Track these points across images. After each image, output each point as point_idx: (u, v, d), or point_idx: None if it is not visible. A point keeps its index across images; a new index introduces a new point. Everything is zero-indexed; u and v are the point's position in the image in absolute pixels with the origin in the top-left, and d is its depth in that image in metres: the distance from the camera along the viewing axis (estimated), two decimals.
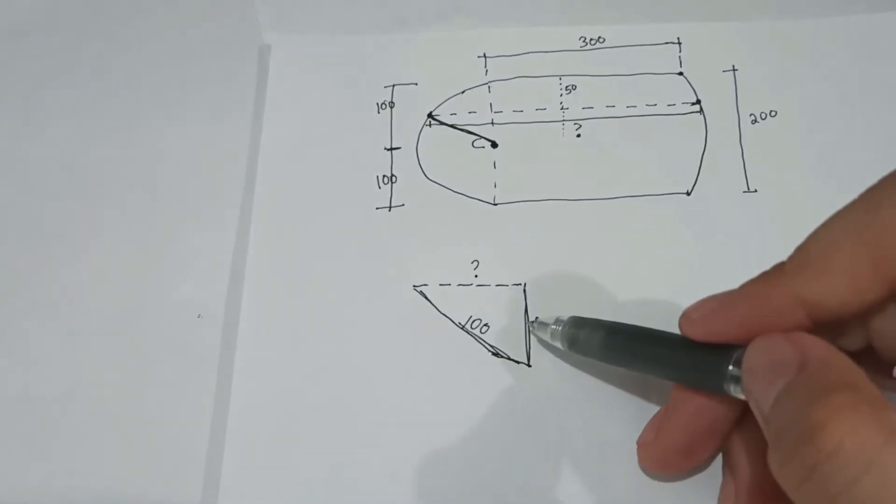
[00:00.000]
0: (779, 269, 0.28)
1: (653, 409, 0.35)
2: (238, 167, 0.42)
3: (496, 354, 0.37)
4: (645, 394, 0.36)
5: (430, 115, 0.43)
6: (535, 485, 0.35)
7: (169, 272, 0.40)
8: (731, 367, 0.28)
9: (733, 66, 0.43)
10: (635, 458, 0.34)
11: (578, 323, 0.35)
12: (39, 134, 0.44)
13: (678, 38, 0.44)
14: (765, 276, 0.29)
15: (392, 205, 0.41)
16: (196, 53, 0.45)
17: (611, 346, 0.33)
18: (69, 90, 0.45)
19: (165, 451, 0.37)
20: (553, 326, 0.36)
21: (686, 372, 0.30)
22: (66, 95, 0.45)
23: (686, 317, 0.30)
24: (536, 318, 0.37)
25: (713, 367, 0.28)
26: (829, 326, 0.28)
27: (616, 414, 0.35)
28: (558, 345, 0.35)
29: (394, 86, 0.44)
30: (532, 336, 0.37)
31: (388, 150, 0.42)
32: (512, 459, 0.35)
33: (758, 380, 0.27)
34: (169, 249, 0.41)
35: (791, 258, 0.28)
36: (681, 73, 0.43)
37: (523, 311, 0.38)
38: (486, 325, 0.38)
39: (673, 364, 0.31)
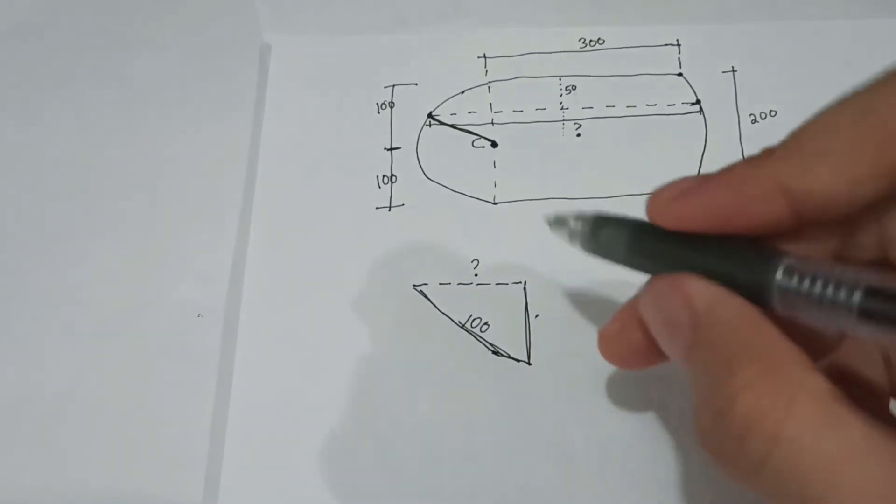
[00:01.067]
0: (767, 152, 0.25)
1: (653, 410, 0.35)
2: (238, 167, 0.42)
3: (496, 353, 0.37)
4: (646, 392, 0.36)
5: (430, 115, 0.43)
6: (535, 484, 0.35)
7: (169, 272, 0.40)
8: (778, 276, 0.24)
9: (733, 67, 0.43)
10: (636, 457, 0.34)
11: (601, 221, 0.30)
12: (39, 134, 0.44)
13: (677, 40, 0.44)
14: (750, 160, 0.25)
15: (392, 204, 0.41)
16: (196, 53, 0.45)
17: (637, 247, 0.28)
18: (69, 90, 0.45)
19: (165, 450, 0.37)
20: (573, 226, 0.31)
21: (721, 278, 0.26)
22: (65, 95, 0.45)
23: (655, 197, 0.27)
24: (555, 215, 0.32)
25: (756, 277, 0.25)
26: (823, 225, 0.25)
27: (616, 412, 0.35)
28: (578, 246, 0.31)
29: (394, 86, 0.44)
30: (532, 331, 0.37)
31: (387, 149, 0.42)
32: (512, 458, 0.35)
33: (659, 334, 0.27)
34: (169, 249, 0.41)
35: (783, 141, 0.25)
36: (680, 74, 0.43)
37: (523, 310, 0.38)
38: (486, 323, 0.38)
39: (706, 269, 0.26)
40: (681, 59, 0.43)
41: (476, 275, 0.39)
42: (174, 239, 0.41)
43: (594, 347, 0.36)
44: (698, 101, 0.42)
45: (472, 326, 0.38)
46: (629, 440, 0.34)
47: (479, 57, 0.44)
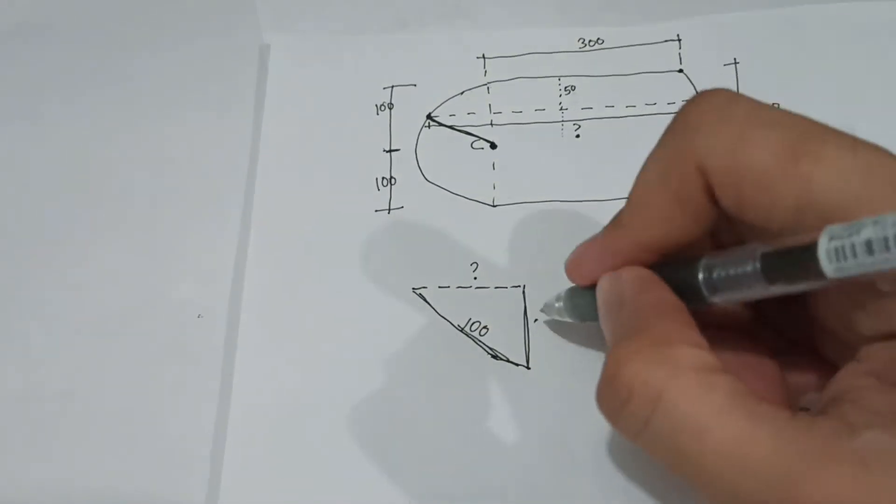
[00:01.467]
0: (617, 217, 0.31)
1: None
2: (237, 168, 0.42)
3: (495, 357, 0.37)
4: None
5: (429, 117, 0.43)
6: (535, 487, 0.35)
7: (169, 272, 0.40)
8: (700, 276, 0.28)
9: (734, 59, 0.43)
10: (635, 460, 0.34)
11: (572, 292, 0.35)
12: (39, 134, 0.44)
13: (678, 36, 0.44)
14: (609, 226, 0.31)
15: (391, 207, 0.41)
16: (196, 53, 0.45)
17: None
18: (69, 90, 0.45)
19: (166, 451, 0.37)
20: (558, 304, 0.36)
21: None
22: (65, 95, 0.45)
23: (566, 265, 0.33)
24: (544, 304, 0.37)
25: (687, 282, 0.29)
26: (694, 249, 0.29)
27: None
28: (568, 319, 0.35)
29: (393, 87, 0.44)
30: (531, 335, 0.37)
31: (387, 151, 0.42)
32: (511, 462, 0.35)
33: (602, 321, 0.31)
34: (169, 249, 0.41)
35: (623, 208, 0.30)
36: (681, 71, 0.43)
37: (522, 314, 0.38)
38: (485, 327, 0.38)
39: None
40: (681, 55, 0.43)
41: (475, 278, 0.39)
42: (174, 239, 0.41)
43: (593, 351, 0.36)
44: None
45: (471, 330, 0.38)
46: (628, 443, 0.34)
47: (478, 57, 0.44)
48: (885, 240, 0.21)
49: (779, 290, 0.26)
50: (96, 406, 0.38)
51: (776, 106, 0.40)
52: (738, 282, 0.27)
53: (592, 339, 0.36)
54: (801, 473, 0.23)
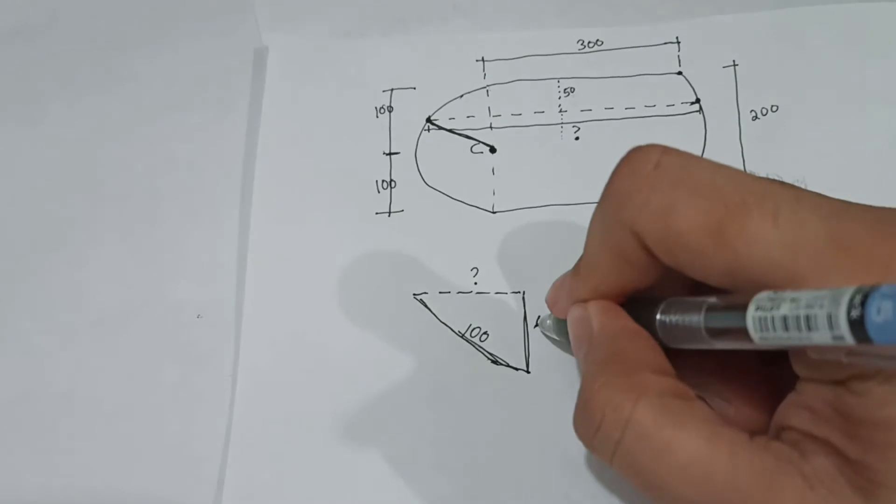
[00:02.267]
0: (576, 266, 0.33)
1: None
2: (237, 169, 0.42)
3: (495, 362, 0.37)
4: None
5: (428, 120, 0.43)
6: (535, 491, 0.35)
7: (169, 272, 0.41)
8: (657, 317, 0.30)
9: (733, 61, 0.42)
10: None
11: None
12: (38, 134, 0.44)
13: (677, 38, 0.43)
14: (571, 271, 0.33)
15: (392, 210, 0.41)
16: (195, 54, 0.45)
17: None
18: (68, 91, 0.45)
19: (166, 451, 0.37)
20: (549, 322, 0.37)
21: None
22: (64, 96, 0.45)
23: (546, 298, 0.35)
24: (538, 318, 0.38)
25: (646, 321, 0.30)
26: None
27: None
28: (556, 337, 0.37)
29: (392, 90, 0.43)
30: (531, 340, 0.38)
31: (386, 154, 0.42)
32: (511, 466, 0.35)
33: (573, 349, 0.33)
34: (169, 249, 0.41)
35: (580, 258, 0.32)
36: (680, 73, 0.43)
37: (522, 319, 0.38)
38: (485, 332, 0.38)
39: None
40: (680, 57, 0.43)
41: (476, 283, 0.39)
42: (174, 239, 0.41)
43: None
44: (698, 100, 0.42)
45: (471, 336, 0.38)
46: None
47: (477, 60, 0.44)
48: (797, 319, 0.22)
49: (722, 345, 0.27)
50: (96, 406, 0.38)
51: (775, 109, 0.41)
52: (686, 332, 0.28)
53: None
54: (754, 491, 0.25)
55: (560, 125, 0.42)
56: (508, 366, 0.37)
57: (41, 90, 0.45)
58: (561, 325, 0.35)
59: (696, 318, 0.27)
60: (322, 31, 0.45)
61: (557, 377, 0.37)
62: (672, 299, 0.29)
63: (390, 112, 0.43)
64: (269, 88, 0.44)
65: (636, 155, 0.29)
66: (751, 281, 0.25)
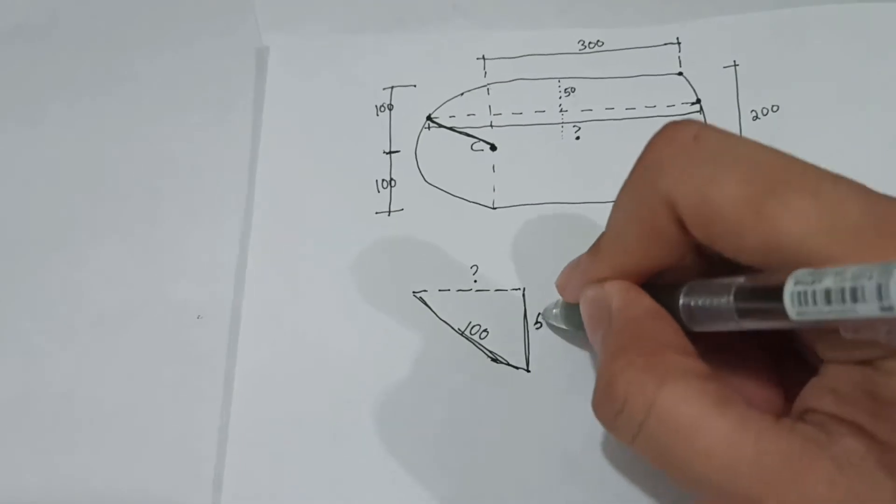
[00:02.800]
0: (596, 244, 0.32)
1: None
2: (237, 169, 0.42)
3: (495, 360, 0.37)
4: None
5: (429, 118, 0.43)
6: (535, 490, 0.35)
7: (169, 272, 0.41)
8: (681, 301, 0.29)
9: (734, 61, 0.42)
10: (635, 463, 0.34)
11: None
12: (38, 135, 0.44)
13: (677, 38, 0.43)
14: (590, 251, 0.33)
15: (391, 209, 0.41)
16: (195, 54, 0.45)
17: None
18: (68, 91, 0.45)
19: (166, 451, 0.37)
20: (555, 311, 0.37)
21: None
22: (65, 96, 0.45)
23: (556, 283, 0.35)
24: (541, 312, 0.38)
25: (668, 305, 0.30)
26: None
27: None
28: (564, 326, 0.37)
29: (392, 88, 0.43)
30: (531, 338, 0.37)
31: (387, 153, 0.42)
32: (511, 464, 0.35)
33: (588, 331, 0.32)
34: (169, 249, 0.41)
35: (601, 235, 0.32)
36: (680, 74, 0.43)
37: (522, 317, 0.38)
38: (485, 330, 0.38)
39: None
40: (681, 58, 0.43)
41: (475, 281, 0.39)
42: (174, 239, 0.41)
43: (592, 354, 0.36)
44: (698, 101, 0.42)
45: (471, 334, 0.38)
46: (626, 447, 0.34)
47: (478, 58, 0.44)
48: (842, 291, 0.22)
49: (751, 325, 0.26)
50: (96, 406, 0.38)
51: (776, 109, 0.41)
52: (713, 313, 0.27)
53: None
54: (781, 474, 0.25)
55: (561, 125, 0.42)
56: (508, 364, 0.37)
57: (41, 90, 0.45)
58: (570, 311, 0.34)
59: (725, 299, 0.27)
60: (322, 30, 0.45)
61: (557, 375, 0.37)
62: (695, 282, 0.29)
63: (390, 110, 0.43)
64: (269, 88, 0.44)
65: (674, 127, 0.28)
66: (786, 258, 0.25)
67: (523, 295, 0.38)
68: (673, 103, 0.42)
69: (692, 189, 0.27)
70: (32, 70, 0.46)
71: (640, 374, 0.27)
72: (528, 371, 0.37)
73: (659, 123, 0.40)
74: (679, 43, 0.43)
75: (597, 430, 0.35)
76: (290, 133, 0.43)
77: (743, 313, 0.26)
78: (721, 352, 0.31)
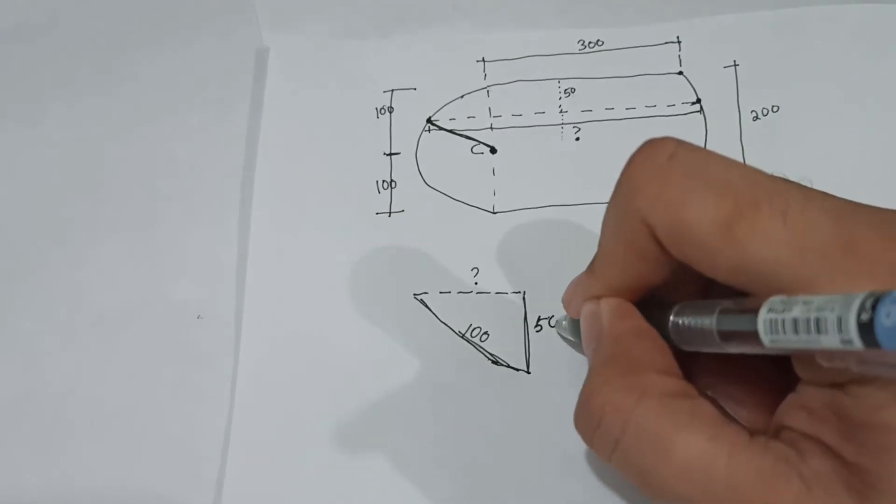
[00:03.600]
0: (591, 264, 0.32)
1: None
2: (237, 169, 0.42)
3: (496, 363, 0.37)
4: None
5: (429, 121, 0.43)
6: (535, 492, 0.35)
7: (169, 272, 0.41)
8: (670, 320, 0.30)
9: (734, 61, 0.42)
10: None
11: None
12: (38, 135, 0.44)
13: (678, 37, 0.43)
14: (587, 270, 0.33)
15: (392, 210, 0.41)
16: (195, 55, 0.45)
17: None
18: (68, 91, 0.45)
19: (165, 452, 0.37)
20: (564, 323, 0.37)
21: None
22: (65, 96, 0.45)
23: (562, 299, 0.35)
24: (553, 319, 0.38)
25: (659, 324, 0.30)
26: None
27: None
28: (571, 338, 0.36)
29: (393, 90, 0.43)
30: (531, 340, 0.37)
31: (387, 155, 0.42)
32: (511, 465, 0.35)
33: (584, 343, 0.33)
34: (169, 249, 0.41)
35: (595, 255, 0.32)
36: (681, 73, 0.43)
37: (523, 319, 0.38)
38: (485, 333, 0.38)
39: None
40: (681, 57, 0.43)
41: (476, 283, 0.39)
42: (174, 239, 0.41)
43: None
44: (699, 100, 0.42)
45: (471, 336, 0.38)
46: None
47: (477, 61, 0.44)
48: (807, 322, 0.22)
49: (733, 349, 0.27)
50: (96, 406, 0.38)
51: (776, 109, 0.41)
52: (698, 334, 0.28)
53: None
54: (752, 492, 0.26)
55: (561, 126, 0.42)
56: (509, 366, 0.37)
57: (41, 90, 0.45)
58: (576, 325, 0.34)
59: (709, 321, 0.27)
60: (323, 31, 0.45)
61: (558, 378, 0.37)
62: (686, 303, 0.29)
63: (391, 112, 0.43)
64: (269, 89, 0.44)
65: (651, 146, 0.29)
66: (757, 280, 0.25)
67: (524, 298, 0.38)
68: (673, 103, 0.42)
69: (665, 211, 0.27)
70: (32, 70, 0.46)
71: (618, 392, 0.28)
72: (528, 373, 0.37)
73: (659, 123, 0.41)
74: (679, 42, 0.43)
75: None
76: (290, 134, 0.43)
77: (725, 336, 0.26)
78: (717, 370, 0.32)
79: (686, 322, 0.29)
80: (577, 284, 0.34)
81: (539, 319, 0.38)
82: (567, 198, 0.40)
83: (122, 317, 0.40)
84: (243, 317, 0.39)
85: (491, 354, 0.37)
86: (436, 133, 0.42)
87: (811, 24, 0.43)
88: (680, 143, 0.28)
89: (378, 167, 0.42)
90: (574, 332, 0.35)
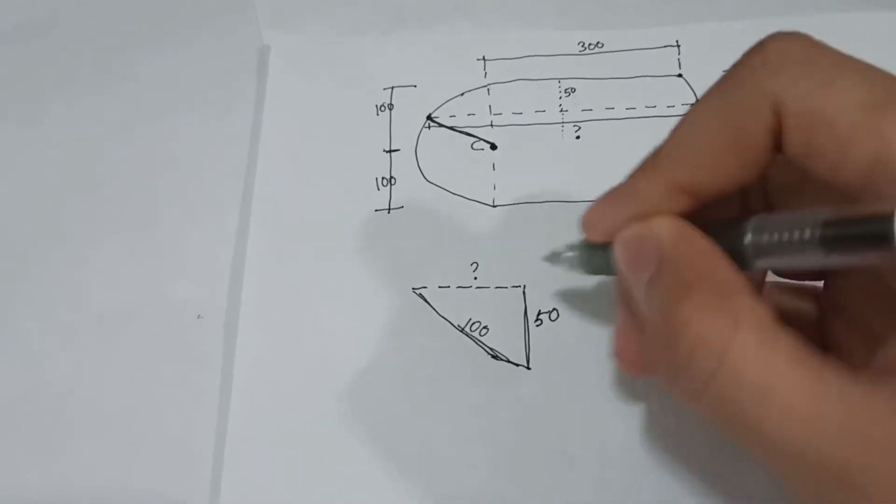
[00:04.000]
0: (654, 155, 0.28)
1: (652, 414, 0.35)
2: (237, 168, 0.42)
3: (495, 357, 0.37)
4: (645, 396, 0.36)
5: (429, 118, 0.43)
6: (535, 487, 0.35)
7: (169, 272, 0.40)
8: (748, 238, 0.27)
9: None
10: (635, 460, 0.34)
11: (587, 245, 0.33)
12: (38, 134, 0.44)
13: (677, 41, 0.44)
14: (642, 166, 0.29)
15: (391, 207, 0.41)
16: (196, 53, 0.45)
17: None
18: (68, 90, 0.45)
19: (165, 451, 0.37)
20: (569, 254, 0.34)
21: None
22: (65, 96, 0.45)
23: (583, 217, 0.31)
24: (550, 252, 0.35)
25: (730, 243, 0.27)
26: (722, 201, 0.28)
27: (616, 416, 0.35)
28: (576, 271, 0.34)
29: (393, 87, 0.44)
30: (531, 335, 0.37)
31: (387, 152, 0.42)
32: (511, 462, 0.35)
33: (628, 272, 0.29)
34: (169, 249, 0.41)
35: (660, 146, 0.28)
36: (680, 76, 0.43)
37: (523, 314, 0.38)
38: (485, 327, 0.38)
39: None
40: (680, 60, 0.43)
41: (475, 278, 0.39)
42: (174, 239, 0.41)
43: (593, 351, 0.36)
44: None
45: (471, 330, 0.38)
46: (628, 444, 0.34)
47: (478, 59, 0.44)
48: None
49: (834, 261, 0.24)
50: (96, 406, 0.38)
51: None
52: (790, 248, 0.25)
53: (593, 339, 0.37)
54: (878, 440, 0.22)
55: (561, 124, 0.42)
56: (509, 361, 0.37)
57: (41, 90, 0.45)
58: (593, 253, 0.32)
59: (809, 232, 0.24)
60: (323, 30, 0.46)
61: (558, 372, 0.37)
62: (762, 215, 0.26)
63: (391, 110, 0.43)
64: (270, 87, 0.44)
65: (786, 34, 0.26)
66: (892, 177, 0.23)
67: (523, 292, 0.38)
68: (673, 104, 0.42)
69: (805, 91, 0.25)
70: (32, 70, 0.46)
71: (713, 322, 0.24)
72: (528, 368, 0.37)
73: (659, 123, 0.41)
74: (678, 45, 0.44)
75: (597, 427, 0.35)
76: (291, 132, 0.43)
77: (832, 246, 0.23)
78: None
79: (773, 238, 0.25)
80: (612, 197, 0.30)
81: (539, 314, 0.38)
82: (567, 195, 0.40)
83: (122, 317, 0.40)
84: (242, 316, 0.39)
85: (491, 349, 0.37)
86: (436, 130, 0.42)
87: (812, 32, 0.42)
88: (818, 40, 0.26)
89: (378, 164, 0.42)
90: (588, 262, 0.33)
